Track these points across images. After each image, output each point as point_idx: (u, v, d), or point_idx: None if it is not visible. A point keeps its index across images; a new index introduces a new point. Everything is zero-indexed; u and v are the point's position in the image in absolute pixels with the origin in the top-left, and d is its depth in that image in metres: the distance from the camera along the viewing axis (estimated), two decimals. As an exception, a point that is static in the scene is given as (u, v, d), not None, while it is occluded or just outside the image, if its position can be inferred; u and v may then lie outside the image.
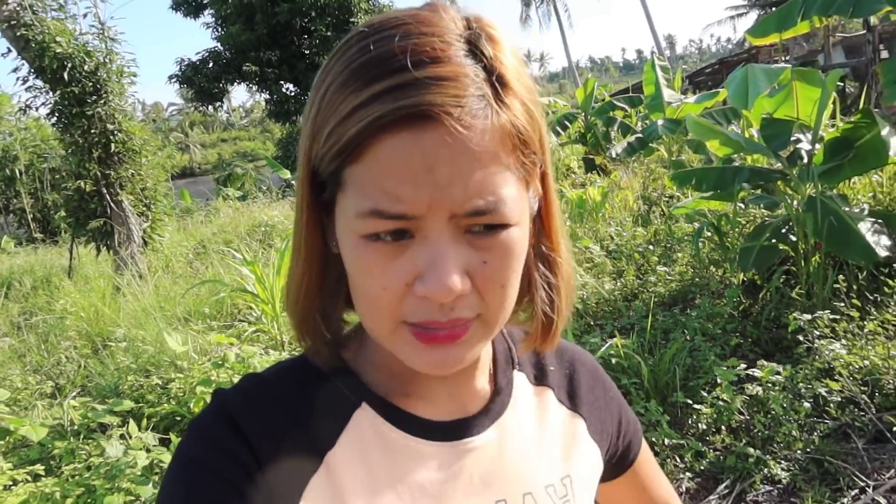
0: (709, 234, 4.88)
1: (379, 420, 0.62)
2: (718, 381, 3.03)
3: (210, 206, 13.93)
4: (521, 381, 0.70)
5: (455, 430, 0.64)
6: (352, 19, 18.69)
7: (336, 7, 18.53)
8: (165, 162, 9.15)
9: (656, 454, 2.78)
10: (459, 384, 0.65)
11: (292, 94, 20.90)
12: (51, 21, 7.47)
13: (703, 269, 4.75)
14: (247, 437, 0.58)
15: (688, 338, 3.63)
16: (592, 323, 4.40)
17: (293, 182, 14.69)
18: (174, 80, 21.98)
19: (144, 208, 8.24)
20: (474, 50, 0.52)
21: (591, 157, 10.41)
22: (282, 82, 20.56)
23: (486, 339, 0.57)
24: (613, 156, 9.61)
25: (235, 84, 21.09)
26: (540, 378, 0.72)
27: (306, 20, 19.50)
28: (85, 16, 7.71)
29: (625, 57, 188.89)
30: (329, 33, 18.86)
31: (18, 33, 7.27)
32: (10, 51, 7.61)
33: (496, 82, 0.52)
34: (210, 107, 22.38)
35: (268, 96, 21.12)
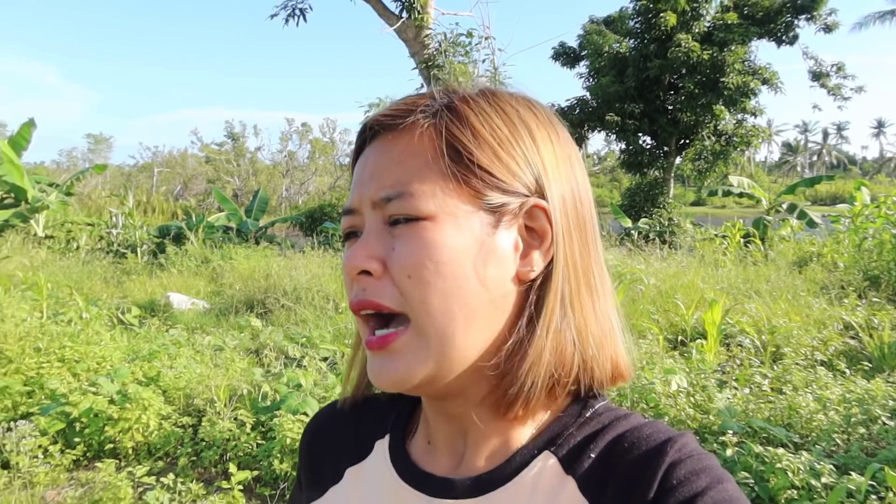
0: None
1: (385, 454, 0.67)
2: None
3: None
4: (545, 464, 0.59)
5: (436, 485, 0.62)
6: (722, 78, 18.29)
7: (708, 66, 18.34)
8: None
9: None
10: (473, 442, 0.63)
11: (648, 146, 21.09)
12: (457, 63, 9.01)
13: None
14: (307, 449, 0.76)
15: None
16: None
17: (631, 231, 14.97)
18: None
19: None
20: (441, 98, 0.60)
21: None
22: (640, 134, 20.86)
23: (426, 356, 0.56)
24: None
25: (596, 132, 22.08)
26: (570, 464, 0.58)
27: (675, 76, 19.68)
28: (484, 61, 9.07)
29: None
30: (696, 91, 18.72)
31: (432, 73, 8.92)
32: (422, 86, 9.33)
33: (444, 109, 0.59)
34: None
35: (623, 146, 21.63)
